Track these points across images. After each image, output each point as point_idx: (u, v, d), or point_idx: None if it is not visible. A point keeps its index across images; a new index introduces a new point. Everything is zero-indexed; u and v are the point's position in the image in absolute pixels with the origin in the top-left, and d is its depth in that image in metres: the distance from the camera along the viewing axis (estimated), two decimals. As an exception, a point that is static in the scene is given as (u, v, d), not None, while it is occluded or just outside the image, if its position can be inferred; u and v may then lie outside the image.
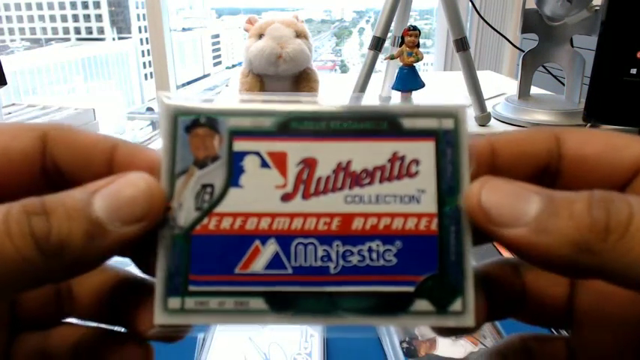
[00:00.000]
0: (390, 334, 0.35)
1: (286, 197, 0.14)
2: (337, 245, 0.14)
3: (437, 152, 0.15)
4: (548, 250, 0.13)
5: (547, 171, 0.15)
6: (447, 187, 0.15)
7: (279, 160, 0.14)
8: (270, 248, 0.14)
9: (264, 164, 0.14)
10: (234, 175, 0.14)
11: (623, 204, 0.13)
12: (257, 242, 0.14)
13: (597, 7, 0.60)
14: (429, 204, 0.14)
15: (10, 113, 1.18)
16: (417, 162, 0.15)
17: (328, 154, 0.15)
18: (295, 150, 0.15)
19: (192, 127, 0.15)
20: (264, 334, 0.35)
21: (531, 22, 0.66)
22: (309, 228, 0.14)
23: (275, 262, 0.14)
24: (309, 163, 0.14)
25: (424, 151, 0.15)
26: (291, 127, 0.15)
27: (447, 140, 0.15)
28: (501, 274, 0.16)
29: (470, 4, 0.82)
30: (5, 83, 0.58)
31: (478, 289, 0.15)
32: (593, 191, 0.13)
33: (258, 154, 0.14)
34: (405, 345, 0.33)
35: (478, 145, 0.15)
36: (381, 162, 0.15)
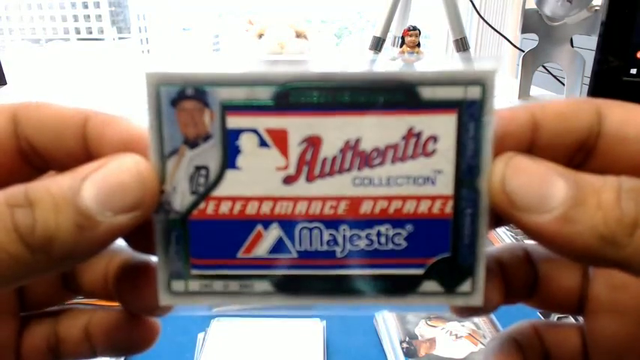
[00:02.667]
0: (390, 334, 0.35)
1: (289, 180, 0.13)
2: (344, 229, 0.13)
3: (458, 127, 0.13)
4: (574, 240, 0.12)
5: (583, 147, 0.14)
6: (467, 167, 0.13)
7: (280, 139, 0.13)
8: (273, 233, 0.13)
9: (263, 143, 0.13)
10: (229, 155, 0.13)
11: None
12: (259, 227, 0.13)
13: (597, 7, 0.60)
14: (445, 186, 0.13)
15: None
16: (434, 139, 0.13)
17: (334, 131, 0.13)
18: (297, 127, 0.13)
19: (179, 99, 0.13)
20: (264, 335, 0.35)
21: (531, 22, 0.66)
22: (314, 212, 0.13)
23: (279, 247, 0.13)
24: (313, 142, 0.13)
25: (444, 126, 0.13)
26: (291, 98, 0.13)
27: (470, 113, 0.13)
28: (514, 258, 0.16)
29: (470, 4, 0.82)
30: (5, 83, 0.58)
31: (492, 270, 0.14)
32: (622, 179, 0.12)
33: (255, 131, 0.13)
34: (405, 345, 0.33)
35: (518, 118, 0.14)
36: (395, 140, 0.13)
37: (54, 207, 0.12)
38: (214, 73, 0.13)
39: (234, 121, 0.13)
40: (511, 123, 0.14)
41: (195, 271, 0.14)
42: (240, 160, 0.13)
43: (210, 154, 0.13)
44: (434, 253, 0.13)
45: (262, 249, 0.13)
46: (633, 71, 0.53)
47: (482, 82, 0.13)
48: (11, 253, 0.12)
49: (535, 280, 0.16)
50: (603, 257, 0.12)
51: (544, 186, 0.13)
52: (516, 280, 0.16)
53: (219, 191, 0.13)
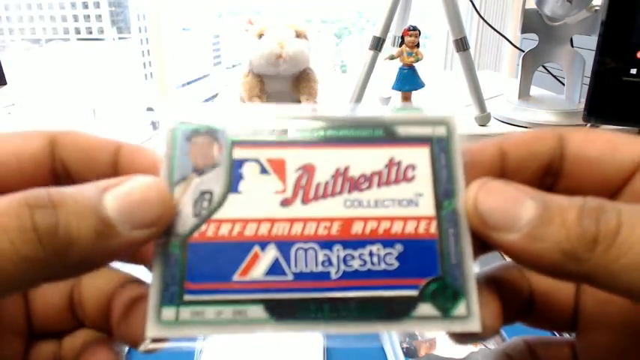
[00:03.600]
0: (390, 333, 0.35)
1: (285, 202, 0.14)
2: (338, 249, 0.14)
3: (431, 157, 0.15)
4: (540, 256, 0.13)
5: (550, 171, 0.16)
6: (444, 191, 0.15)
7: (278, 167, 0.15)
8: (270, 254, 0.14)
9: (264, 171, 0.14)
10: (233, 181, 0.14)
11: (612, 214, 0.13)
12: (256, 248, 0.14)
13: (597, 7, 0.60)
14: (427, 207, 0.15)
15: (10, 113, 1.18)
16: (412, 167, 0.15)
17: (326, 160, 0.15)
18: (294, 157, 0.15)
19: (193, 136, 0.15)
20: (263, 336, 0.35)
21: (531, 22, 0.66)
22: (309, 233, 0.14)
23: (275, 268, 0.14)
24: (308, 169, 0.15)
25: (419, 157, 0.15)
26: (289, 135, 0.15)
27: (440, 146, 0.15)
28: (509, 277, 0.17)
29: (470, 4, 0.82)
30: (5, 83, 0.58)
31: (488, 292, 0.15)
32: (586, 199, 0.13)
33: (257, 161, 0.15)
34: (405, 345, 0.33)
35: (487, 149, 0.16)
36: (379, 167, 0.15)
37: (77, 211, 0.12)
38: (225, 117, 0.15)
39: (239, 153, 0.15)
40: (481, 154, 0.15)
41: (188, 297, 0.13)
42: (242, 185, 0.14)
43: (215, 180, 0.14)
44: (425, 274, 0.14)
45: (259, 271, 0.14)
46: (633, 71, 0.53)
47: (447, 123, 0.15)
48: (25, 255, 0.11)
49: (531, 297, 0.17)
50: (568, 272, 0.13)
51: (513, 207, 0.14)
52: (513, 300, 0.16)
53: (221, 214, 0.14)
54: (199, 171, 0.14)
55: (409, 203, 0.15)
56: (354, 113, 0.15)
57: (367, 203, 0.15)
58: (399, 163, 0.15)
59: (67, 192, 0.12)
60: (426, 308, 0.14)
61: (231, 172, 0.14)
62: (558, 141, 0.15)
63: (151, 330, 0.13)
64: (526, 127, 0.64)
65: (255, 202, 0.14)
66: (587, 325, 0.16)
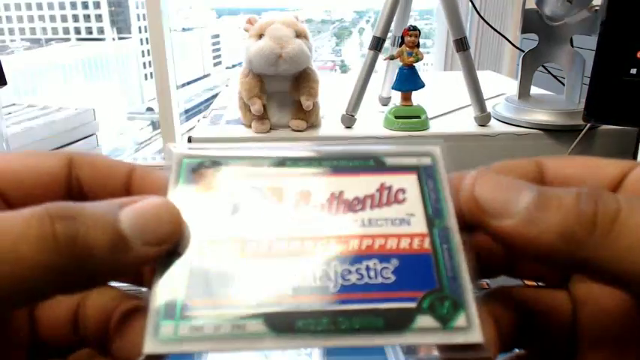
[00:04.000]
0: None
1: (284, 224, 0.15)
2: (335, 265, 0.15)
3: (419, 182, 0.16)
4: (536, 240, 0.13)
5: None
6: (434, 210, 0.16)
7: (277, 194, 0.16)
8: (271, 270, 0.14)
9: (264, 197, 0.16)
10: (235, 208, 0.15)
11: (611, 199, 0.13)
12: (255, 265, 0.14)
13: (597, 7, 0.60)
14: (419, 225, 0.15)
15: (10, 113, 1.17)
16: (403, 191, 0.16)
17: (322, 187, 0.16)
18: (291, 185, 0.16)
19: (198, 168, 0.16)
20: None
21: (531, 22, 0.66)
22: (308, 250, 0.15)
23: (275, 284, 0.14)
24: (305, 195, 0.16)
25: (408, 182, 0.16)
26: (287, 166, 0.16)
27: (426, 173, 0.17)
28: (505, 302, 0.16)
29: (470, 4, 0.82)
30: (5, 83, 0.58)
31: (485, 307, 0.15)
32: (583, 187, 0.13)
33: (257, 189, 0.16)
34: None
35: (466, 177, 0.16)
36: (371, 191, 0.16)
37: (94, 223, 0.13)
38: (227, 154, 0.16)
39: (241, 183, 0.16)
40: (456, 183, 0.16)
41: (187, 312, 0.14)
42: (243, 210, 0.16)
43: (219, 207, 0.15)
44: (422, 287, 0.14)
45: (259, 287, 0.14)
46: (633, 71, 0.53)
47: (431, 154, 0.17)
48: (44, 263, 0.12)
49: (529, 322, 0.16)
50: (566, 256, 0.13)
51: (510, 192, 0.14)
52: (510, 325, 0.16)
53: (222, 235, 0.15)
54: (204, 198, 0.16)
55: (402, 222, 0.15)
56: (346, 148, 0.17)
57: (361, 223, 0.15)
58: (389, 188, 0.16)
59: (86, 205, 0.13)
60: (425, 320, 0.14)
61: (233, 199, 0.16)
62: (536, 167, 0.16)
63: (149, 346, 0.13)
64: (526, 127, 0.64)
65: (255, 225, 0.15)
66: (585, 341, 0.16)
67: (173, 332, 0.13)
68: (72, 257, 0.12)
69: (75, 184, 0.16)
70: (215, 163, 0.16)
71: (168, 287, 0.14)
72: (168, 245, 0.14)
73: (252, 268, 0.14)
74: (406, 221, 0.15)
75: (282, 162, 0.16)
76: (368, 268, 0.14)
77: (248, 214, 0.15)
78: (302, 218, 0.15)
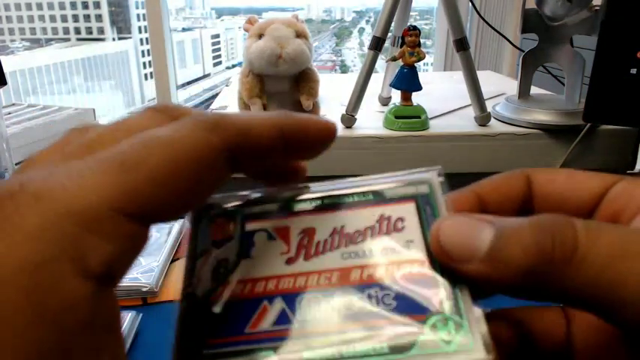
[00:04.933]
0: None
1: (290, 261, 0.16)
2: (338, 296, 0.15)
3: (417, 210, 0.17)
4: (502, 279, 0.14)
5: (524, 209, 0.17)
6: None
7: (284, 233, 0.17)
8: (277, 306, 0.15)
9: (271, 237, 0.17)
10: (245, 249, 0.17)
11: (568, 230, 0.13)
12: (265, 302, 0.15)
13: (597, 7, 0.60)
14: (417, 251, 0.16)
15: (10, 113, 1.18)
16: (401, 219, 0.17)
17: (324, 223, 0.17)
18: (296, 224, 0.17)
19: (213, 218, 0.18)
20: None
21: (531, 22, 0.66)
22: (312, 284, 0.16)
23: (282, 318, 0.15)
24: (309, 232, 0.17)
25: (407, 211, 0.17)
26: (292, 207, 0.18)
27: (424, 201, 0.17)
28: (501, 323, 0.17)
29: (470, 4, 0.82)
30: (5, 83, 0.58)
31: (490, 329, 0.15)
32: (541, 216, 0.14)
33: (265, 230, 0.17)
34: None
35: (464, 196, 0.17)
36: (371, 223, 0.17)
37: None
38: (239, 199, 0.18)
39: (251, 226, 0.17)
40: (460, 202, 0.17)
41: (206, 351, 0.15)
42: (253, 251, 0.17)
43: (230, 250, 0.17)
44: (424, 310, 0.15)
45: (268, 322, 0.15)
46: (633, 71, 0.53)
47: (428, 182, 0.18)
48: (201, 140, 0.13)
49: (529, 337, 0.17)
50: (531, 291, 0.14)
51: (471, 236, 0.14)
52: (512, 340, 0.17)
53: (234, 276, 0.16)
54: (217, 244, 0.17)
55: (401, 249, 0.16)
56: (345, 184, 0.18)
57: (362, 253, 0.16)
58: (389, 218, 0.17)
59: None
60: (429, 342, 0.14)
61: (243, 241, 0.17)
62: (526, 181, 0.17)
63: None
64: (526, 127, 0.64)
65: (264, 264, 0.16)
66: (581, 355, 0.16)
67: None
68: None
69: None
70: (227, 211, 0.18)
71: (189, 328, 0.15)
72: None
73: (263, 304, 0.15)
74: (405, 248, 0.16)
75: (287, 204, 0.18)
76: (370, 296, 0.15)
77: (258, 256, 0.16)
78: (307, 255, 0.16)
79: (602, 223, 0.14)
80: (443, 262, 0.15)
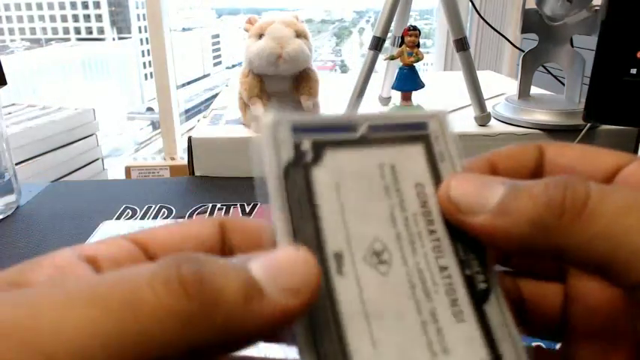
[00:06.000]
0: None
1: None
2: None
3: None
4: (508, 231, 0.13)
5: (534, 177, 0.16)
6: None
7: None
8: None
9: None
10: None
11: (580, 185, 0.13)
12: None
13: (597, 7, 0.60)
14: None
15: (10, 113, 1.17)
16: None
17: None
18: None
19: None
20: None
21: (531, 22, 0.66)
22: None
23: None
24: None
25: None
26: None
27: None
28: (502, 287, 0.17)
29: (470, 4, 0.82)
30: (5, 83, 0.58)
31: None
32: (553, 176, 0.14)
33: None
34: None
35: (477, 162, 0.16)
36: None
37: (222, 269, 0.11)
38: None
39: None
40: (471, 168, 0.16)
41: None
42: None
43: None
44: None
45: None
46: (633, 71, 0.53)
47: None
48: (168, 307, 0.10)
49: (522, 305, 0.17)
50: (538, 244, 0.13)
51: (484, 189, 0.14)
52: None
53: None
54: None
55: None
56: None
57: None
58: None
59: (212, 257, 0.12)
60: None
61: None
62: (539, 152, 0.16)
63: None
64: (526, 127, 0.64)
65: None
66: (575, 333, 0.16)
67: None
68: (200, 302, 0.10)
69: (227, 250, 0.16)
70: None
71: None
72: (308, 296, 0.12)
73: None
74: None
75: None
76: None
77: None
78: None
79: (617, 185, 0.14)
80: (450, 214, 0.15)
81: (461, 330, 0.14)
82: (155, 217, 0.52)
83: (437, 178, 0.16)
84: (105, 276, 0.11)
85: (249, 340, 0.11)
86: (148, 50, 1.40)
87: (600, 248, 0.13)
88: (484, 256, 0.15)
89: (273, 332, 0.12)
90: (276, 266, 0.12)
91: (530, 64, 0.68)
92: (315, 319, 0.13)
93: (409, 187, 0.15)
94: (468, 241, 0.15)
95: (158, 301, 0.10)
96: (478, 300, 0.15)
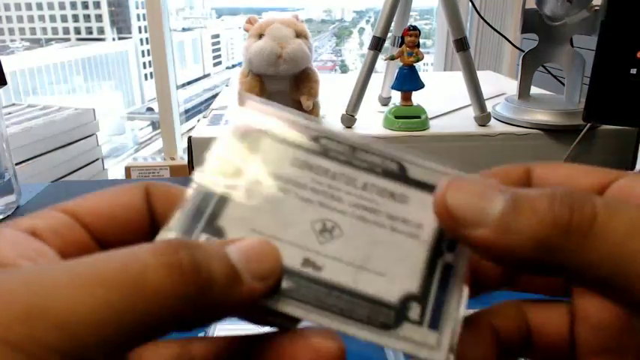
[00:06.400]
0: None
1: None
2: None
3: None
4: (512, 249, 0.13)
5: None
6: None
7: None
8: None
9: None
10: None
11: (587, 202, 0.13)
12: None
13: (597, 7, 0.60)
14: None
15: (10, 113, 1.17)
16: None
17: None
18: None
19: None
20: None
21: (531, 22, 0.66)
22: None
23: None
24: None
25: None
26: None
27: None
28: (504, 314, 0.17)
29: (470, 4, 0.82)
30: (5, 83, 0.58)
31: (477, 331, 0.15)
32: (556, 187, 0.13)
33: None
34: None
35: None
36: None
37: (212, 254, 0.13)
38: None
39: None
40: None
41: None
42: None
43: None
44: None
45: None
46: (633, 71, 0.53)
47: None
48: (171, 291, 0.12)
49: (529, 332, 0.17)
50: (543, 263, 0.13)
51: (482, 200, 0.13)
52: (511, 336, 0.16)
53: None
54: None
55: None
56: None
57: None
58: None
59: (195, 241, 0.13)
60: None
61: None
62: (524, 172, 0.16)
63: None
64: (526, 127, 0.64)
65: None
66: (582, 352, 0.16)
67: None
68: (196, 286, 0.12)
69: (152, 215, 0.16)
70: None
71: None
72: (273, 281, 0.14)
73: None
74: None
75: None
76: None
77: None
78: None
79: (621, 200, 0.13)
80: (447, 226, 0.14)
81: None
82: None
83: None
84: (107, 257, 0.12)
85: (228, 315, 0.14)
86: (148, 50, 1.40)
87: (606, 269, 0.12)
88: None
89: (245, 310, 0.14)
90: (249, 254, 0.13)
91: (530, 64, 0.68)
92: None
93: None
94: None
95: (162, 285, 0.12)
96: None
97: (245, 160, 0.16)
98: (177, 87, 1.54)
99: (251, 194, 0.16)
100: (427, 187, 0.16)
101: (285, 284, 0.14)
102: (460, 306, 0.15)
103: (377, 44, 0.65)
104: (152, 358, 0.15)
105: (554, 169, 0.16)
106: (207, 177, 0.16)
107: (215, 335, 0.15)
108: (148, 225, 0.16)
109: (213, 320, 0.13)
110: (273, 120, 0.17)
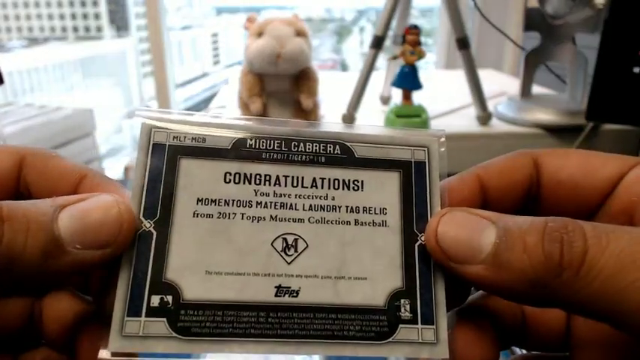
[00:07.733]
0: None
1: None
2: None
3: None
4: (507, 285, 0.13)
5: (529, 196, 0.16)
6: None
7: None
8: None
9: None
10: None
11: (578, 238, 0.12)
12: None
13: (600, 5, 0.60)
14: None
15: (7, 112, 1.17)
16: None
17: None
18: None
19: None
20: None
21: (533, 20, 0.65)
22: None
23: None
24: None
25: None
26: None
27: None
28: (499, 304, 0.17)
29: (471, 2, 0.82)
30: (2, 82, 0.57)
31: (466, 323, 0.15)
32: (548, 219, 0.13)
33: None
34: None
35: (465, 180, 0.16)
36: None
37: (26, 227, 0.12)
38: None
39: None
40: (459, 186, 0.16)
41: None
42: None
43: None
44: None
45: None
46: (636, 70, 0.52)
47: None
48: None
49: (524, 322, 0.17)
50: (538, 299, 0.13)
51: (474, 235, 0.13)
52: (506, 326, 0.16)
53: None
54: None
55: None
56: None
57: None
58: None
59: (20, 207, 0.12)
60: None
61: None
62: (533, 167, 0.16)
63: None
64: (528, 127, 0.64)
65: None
66: (580, 345, 0.16)
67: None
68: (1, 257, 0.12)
69: (23, 185, 0.15)
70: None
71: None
72: (114, 249, 0.13)
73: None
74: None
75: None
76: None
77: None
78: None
79: (613, 226, 0.13)
80: (440, 261, 0.14)
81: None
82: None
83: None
84: None
85: (46, 284, 0.13)
86: (147, 49, 1.40)
87: (600, 304, 0.12)
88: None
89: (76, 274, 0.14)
90: (84, 219, 0.13)
91: (533, 63, 0.68)
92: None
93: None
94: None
95: None
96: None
97: (168, 189, 0.14)
98: (176, 86, 1.53)
99: (190, 231, 0.14)
100: (377, 163, 0.15)
101: (265, 321, 0.13)
102: (444, 284, 0.15)
103: (377, 43, 0.64)
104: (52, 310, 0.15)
105: (565, 159, 0.15)
106: (137, 219, 0.14)
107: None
108: (14, 193, 0.15)
109: (27, 289, 0.14)
110: (184, 129, 0.15)
